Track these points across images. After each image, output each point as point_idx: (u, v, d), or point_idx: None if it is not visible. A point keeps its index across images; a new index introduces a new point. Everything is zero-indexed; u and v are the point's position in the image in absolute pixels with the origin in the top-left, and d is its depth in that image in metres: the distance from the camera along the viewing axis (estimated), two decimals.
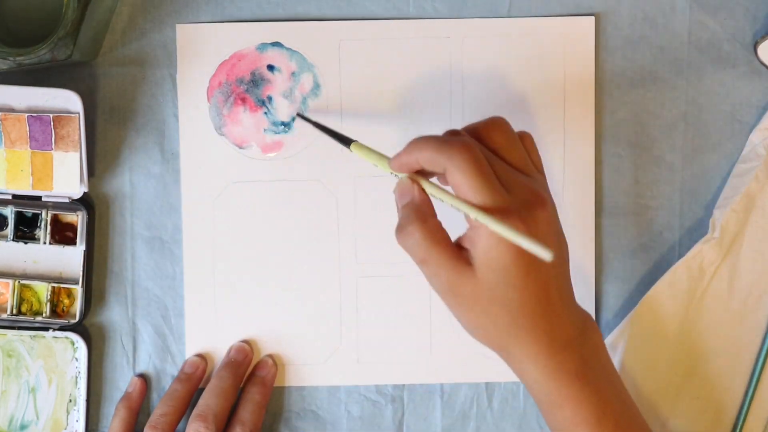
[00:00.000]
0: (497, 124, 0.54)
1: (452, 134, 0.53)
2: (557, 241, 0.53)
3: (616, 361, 0.64)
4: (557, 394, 0.52)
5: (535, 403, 0.65)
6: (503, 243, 0.50)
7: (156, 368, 0.66)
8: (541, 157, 0.56)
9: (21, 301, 0.64)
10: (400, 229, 0.52)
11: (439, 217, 0.52)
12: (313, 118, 0.63)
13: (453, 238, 0.52)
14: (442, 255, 0.51)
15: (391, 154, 0.65)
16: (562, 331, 0.52)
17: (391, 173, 0.54)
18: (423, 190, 0.53)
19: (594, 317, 0.65)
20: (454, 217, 0.52)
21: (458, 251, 0.51)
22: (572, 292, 0.54)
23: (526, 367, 0.53)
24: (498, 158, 0.53)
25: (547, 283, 0.51)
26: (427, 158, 0.51)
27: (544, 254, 0.47)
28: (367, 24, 0.64)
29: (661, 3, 0.65)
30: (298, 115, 0.64)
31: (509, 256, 0.50)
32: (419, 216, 0.52)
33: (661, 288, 0.64)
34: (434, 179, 0.54)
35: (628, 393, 0.55)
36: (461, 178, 0.50)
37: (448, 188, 0.52)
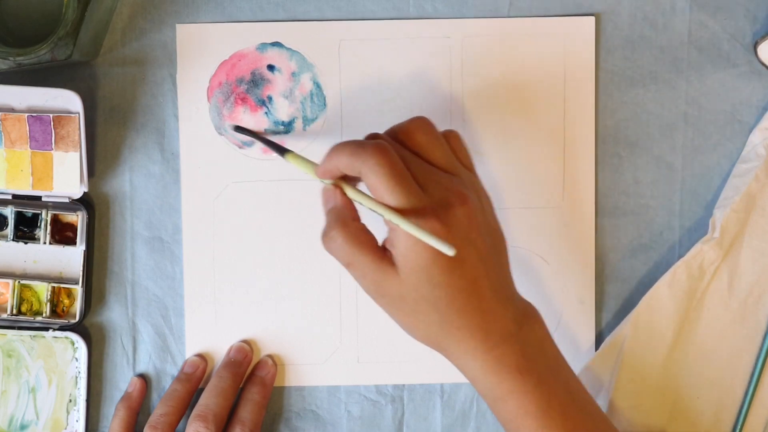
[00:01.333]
0: (418, 124, 0.55)
1: (371, 138, 0.54)
2: (479, 236, 0.53)
3: (615, 361, 0.64)
4: (499, 389, 0.53)
5: None
6: (420, 243, 0.50)
7: (156, 368, 0.66)
8: (471, 156, 0.57)
9: (21, 301, 0.64)
10: (324, 234, 0.53)
11: (369, 220, 0.53)
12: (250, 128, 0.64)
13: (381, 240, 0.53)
14: (365, 257, 0.52)
15: None
16: (499, 325, 0.52)
17: (320, 181, 0.55)
18: (344, 194, 0.54)
19: (594, 317, 0.65)
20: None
21: (382, 253, 0.52)
22: (510, 285, 0.55)
23: (465, 363, 0.53)
24: (418, 158, 0.53)
25: (475, 279, 0.52)
26: (344, 163, 0.52)
27: (446, 250, 0.48)
28: (367, 24, 0.64)
29: (661, 3, 0.65)
30: (236, 127, 0.64)
31: (428, 255, 0.50)
32: (341, 220, 0.53)
33: (661, 288, 0.64)
34: (361, 185, 0.55)
35: (578, 381, 0.55)
36: (375, 179, 0.51)
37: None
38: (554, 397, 0.53)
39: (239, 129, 0.64)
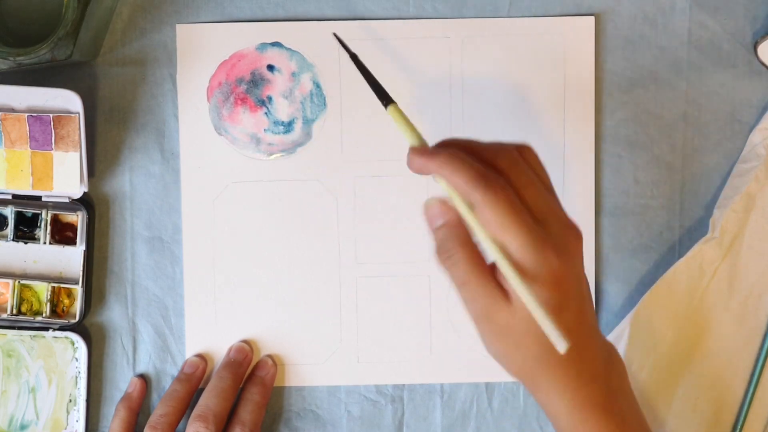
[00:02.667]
0: (530, 152, 0.52)
1: (492, 149, 0.51)
2: (584, 273, 0.52)
3: None
4: (582, 427, 0.52)
5: (535, 403, 0.65)
6: (540, 278, 0.49)
7: (156, 368, 0.66)
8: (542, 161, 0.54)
9: (21, 301, 0.64)
10: (441, 251, 0.51)
11: None
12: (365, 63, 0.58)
13: None
14: (481, 280, 0.50)
15: (390, 155, 0.65)
16: (590, 364, 0.52)
17: (408, 155, 0.52)
18: (457, 213, 0.51)
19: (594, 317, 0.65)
20: None
21: (498, 281, 0.50)
22: (597, 325, 0.54)
23: (552, 400, 0.52)
24: (537, 181, 0.51)
25: (578, 317, 0.50)
26: (458, 185, 0.49)
27: (560, 346, 0.47)
28: (367, 24, 0.64)
29: (661, 3, 0.65)
30: (343, 45, 0.59)
31: (545, 291, 0.49)
32: (461, 238, 0.50)
33: (661, 288, 0.64)
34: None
35: (647, 424, 0.55)
36: (491, 215, 0.48)
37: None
38: None
39: (338, 38, 0.59)
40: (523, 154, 0.51)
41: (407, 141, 0.52)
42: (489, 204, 0.48)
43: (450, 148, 0.50)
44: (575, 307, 0.50)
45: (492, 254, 0.49)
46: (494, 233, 0.49)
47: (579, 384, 0.51)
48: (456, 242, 0.50)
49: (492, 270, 0.50)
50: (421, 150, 0.51)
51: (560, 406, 0.52)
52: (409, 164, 0.52)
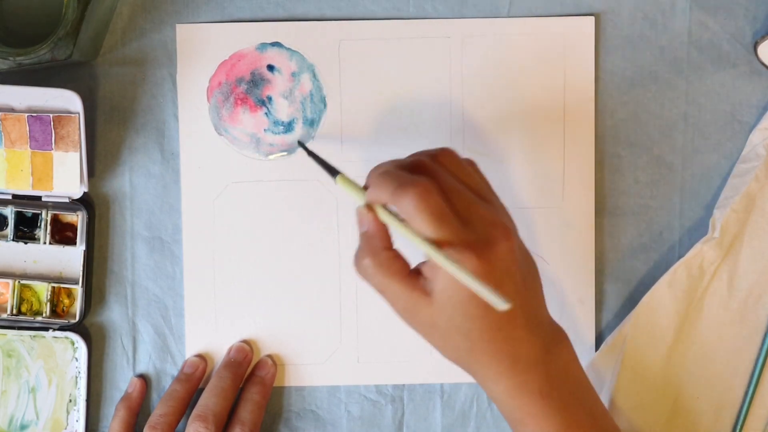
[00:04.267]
0: (448, 154, 0.54)
1: (413, 164, 0.53)
2: (518, 269, 0.52)
3: (615, 360, 0.64)
4: (519, 412, 0.53)
5: None
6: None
7: (156, 368, 0.66)
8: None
9: (21, 301, 0.64)
10: (355, 259, 0.53)
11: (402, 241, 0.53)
12: (311, 147, 0.63)
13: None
14: (396, 286, 0.51)
15: (390, 155, 0.65)
16: (527, 353, 0.52)
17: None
18: (378, 220, 0.52)
19: (594, 317, 0.65)
20: None
21: (414, 281, 0.51)
22: (542, 311, 0.54)
23: (489, 386, 0.53)
24: (462, 186, 0.52)
25: (509, 312, 0.51)
26: (385, 200, 0.51)
27: (500, 304, 0.48)
28: (367, 24, 0.64)
29: (661, 3, 0.65)
30: (299, 143, 0.64)
31: (467, 292, 0.50)
32: (372, 248, 0.52)
33: (661, 288, 0.64)
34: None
35: (603, 406, 0.55)
36: (418, 223, 0.50)
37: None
38: (575, 422, 0.53)
39: (302, 145, 0.63)
40: (437, 159, 0.53)
41: (359, 201, 0.54)
42: (412, 212, 0.50)
43: (377, 170, 0.53)
44: (510, 298, 0.50)
45: (417, 245, 0.50)
46: (418, 229, 0.50)
47: (514, 372, 0.52)
48: (368, 251, 0.52)
49: (409, 273, 0.52)
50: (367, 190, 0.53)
51: (498, 391, 0.53)
52: (368, 202, 0.53)
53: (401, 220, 0.51)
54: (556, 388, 0.53)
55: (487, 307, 0.50)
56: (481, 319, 0.51)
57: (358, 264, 0.53)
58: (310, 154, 0.61)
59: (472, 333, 0.51)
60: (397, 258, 0.52)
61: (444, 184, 0.51)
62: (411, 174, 0.51)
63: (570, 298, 0.65)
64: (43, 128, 0.62)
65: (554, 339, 0.54)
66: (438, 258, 0.49)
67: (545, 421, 0.52)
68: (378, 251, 0.52)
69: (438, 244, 0.49)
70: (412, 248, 0.51)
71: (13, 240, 0.63)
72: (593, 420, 0.54)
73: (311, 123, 0.65)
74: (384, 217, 0.52)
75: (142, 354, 0.66)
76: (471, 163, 0.55)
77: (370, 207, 0.53)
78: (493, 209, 0.53)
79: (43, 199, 0.63)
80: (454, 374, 0.66)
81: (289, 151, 0.65)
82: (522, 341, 0.52)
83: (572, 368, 0.54)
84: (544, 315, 0.55)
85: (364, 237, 0.53)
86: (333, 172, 0.57)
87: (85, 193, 0.63)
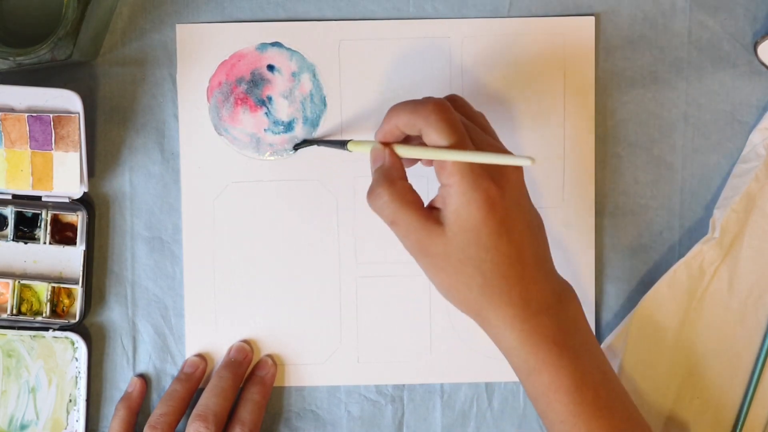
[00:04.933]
0: (458, 98, 0.56)
1: (426, 98, 0.54)
2: (528, 206, 0.54)
3: (616, 361, 0.64)
4: (534, 360, 0.52)
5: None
6: (474, 202, 0.50)
7: (156, 368, 0.66)
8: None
9: (21, 301, 0.64)
10: (370, 192, 0.53)
11: (416, 184, 0.54)
12: (311, 138, 0.65)
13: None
14: (411, 215, 0.52)
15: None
16: (538, 296, 0.52)
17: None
18: (394, 153, 0.54)
19: (594, 317, 0.65)
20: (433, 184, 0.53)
21: (428, 212, 0.52)
22: (550, 261, 0.55)
23: (501, 333, 0.53)
24: (471, 123, 0.54)
25: (520, 246, 0.52)
26: (404, 121, 0.53)
27: (523, 161, 0.49)
28: (367, 24, 0.64)
29: (661, 3, 0.65)
30: (296, 147, 0.64)
31: (480, 216, 0.50)
32: (388, 178, 0.53)
33: (661, 288, 0.64)
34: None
35: (610, 365, 0.55)
36: (434, 132, 0.51)
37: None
38: (588, 374, 0.53)
39: (300, 145, 0.64)
40: (453, 101, 0.55)
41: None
42: (432, 124, 0.51)
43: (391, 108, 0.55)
44: (517, 234, 0.51)
45: (437, 156, 0.51)
46: (436, 144, 0.51)
47: (527, 314, 0.52)
48: (384, 181, 0.53)
49: (423, 206, 0.53)
50: (378, 128, 0.55)
51: (510, 338, 0.53)
52: (377, 138, 0.55)
53: (418, 147, 0.52)
54: (570, 338, 0.53)
55: (499, 237, 0.50)
56: (494, 250, 0.51)
57: (373, 196, 0.53)
58: (316, 142, 0.62)
59: (484, 265, 0.51)
60: (412, 190, 0.53)
61: (463, 108, 0.54)
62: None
63: None
64: (43, 128, 0.62)
65: (564, 290, 0.54)
66: (458, 155, 0.50)
67: (560, 371, 0.52)
68: (395, 180, 0.53)
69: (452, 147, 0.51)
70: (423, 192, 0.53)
71: (13, 240, 0.63)
72: (603, 375, 0.54)
73: (311, 123, 0.65)
74: (401, 149, 0.54)
75: (142, 354, 0.66)
76: (481, 115, 0.57)
77: (385, 143, 0.54)
78: (502, 147, 0.54)
79: (43, 199, 0.63)
80: (454, 374, 0.66)
81: (289, 151, 0.65)
82: (534, 283, 0.52)
83: (582, 322, 0.54)
84: (551, 266, 0.55)
85: (380, 171, 0.54)
86: (342, 143, 0.59)
87: (85, 193, 0.63)
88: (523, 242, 0.52)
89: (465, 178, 0.51)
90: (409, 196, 0.53)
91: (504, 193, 0.51)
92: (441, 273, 0.53)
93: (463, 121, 0.53)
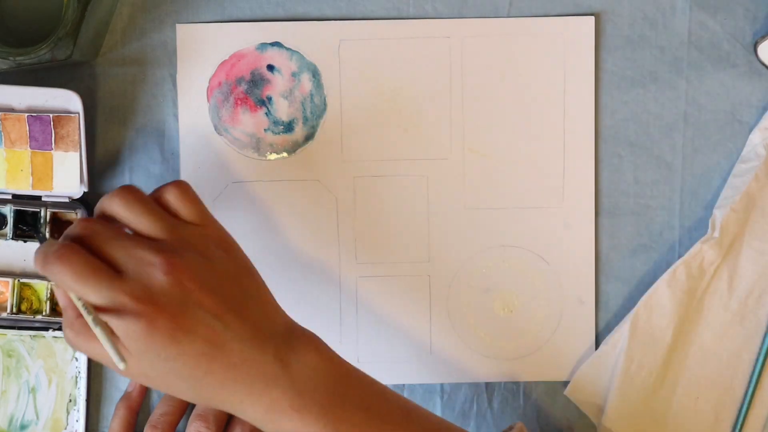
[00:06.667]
0: (118, 195, 0.53)
1: (74, 228, 0.53)
2: (206, 291, 0.51)
3: (615, 360, 0.64)
4: (283, 429, 0.51)
5: (535, 403, 0.65)
6: (133, 330, 0.50)
7: None
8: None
9: (21, 299, 0.64)
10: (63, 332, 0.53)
11: None
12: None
13: None
14: (97, 348, 0.51)
15: (390, 155, 0.65)
16: (258, 373, 0.51)
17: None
18: (64, 294, 0.52)
19: (594, 317, 0.65)
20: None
21: (114, 339, 0.51)
22: (267, 318, 0.53)
23: (244, 415, 0.52)
24: (121, 234, 0.52)
25: (212, 339, 0.50)
26: (42, 272, 0.51)
27: (118, 363, 0.50)
28: (367, 24, 0.64)
29: (661, 3, 0.65)
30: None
31: (144, 338, 0.50)
32: (67, 320, 0.52)
33: (660, 288, 0.64)
34: None
35: (382, 392, 0.54)
36: (66, 285, 0.51)
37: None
38: (342, 423, 0.51)
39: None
40: (162, 190, 0.54)
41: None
42: (57, 277, 0.50)
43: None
44: (203, 327, 0.50)
45: (82, 311, 0.51)
46: (80, 295, 0.50)
47: (255, 396, 0.51)
48: (66, 323, 0.52)
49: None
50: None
51: (253, 418, 0.52)
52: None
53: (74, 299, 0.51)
54: (309, 398, 0.51)
55: (180, 343, 0.50)
56: (182, 357, 0.50)
57: (65, 337, 0.53)
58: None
59: (182, 372, 0.50)
60: (85, 326, 0.51)
61: (99, 236, 0.51)
62: (69, 239, 0.52)
63: (570, 298, 0.65)
64: (43, 128, 0.62)
65: (291, 346, 0.52)
66: (90, 322, 0.50)
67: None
68: (72, 321, 0.52)
69: (94, 305, 0.50)
70: None
71: (12, 239, 0.63)
72: (367, 412, 0.52)
73: (311, 123, 0.65)
74: (58, 292, 0.54)
75: None
76: (171, 191, 0.54)
77: (58, 285, 0.53)
78: (153, 248, 0.51)
79: (43, 199, 0.63)
80: (454, 374, 0.66)
81: (289, 151, 0.65)
82: (245, 364, 0.51)
83: (324, 371, 0.52)
84: (272, 322, 0.53)
85: (63, 312, 0.53)
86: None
87: (85, 192, 0.63)
88: (213, 333, 0.50)
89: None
90: (89, 332, 0.51)
91: (161, 306, 0.50)
92: (156, 387, 0.53)
93: (104, 239, 0.51)
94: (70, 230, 0.52)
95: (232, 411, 0.52)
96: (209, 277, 0.52)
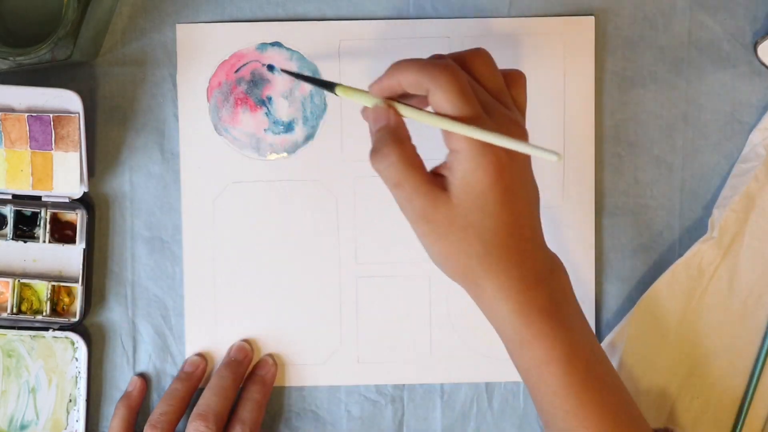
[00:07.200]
0: (481, 53, 0.53)
1: (436, 58, 0.53)
2: (531, 178, 0.53)
3: (615, 360, 0.64)
4: (527, 331, 0.52)
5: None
6: (482, 168, 0.50)
7: (156, 368, 0.66)
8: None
9: (21, 299, 0.64)
10: (375, 152, 0.52)
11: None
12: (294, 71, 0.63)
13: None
14: (417, 179, 0.51)
15: None
16: (533, 267, 0.52)
17: (373, 105, 0.53)
18: (398, 114, 0.52)
19: (594, 317, 0.65)
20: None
21: (433, 177, 0.51)
22: (542, 235, 0.54)
23: (496, 303, 0.52)
24: (479, 86, 0.52)
25: (519, 217, 0.51)
26: (410, 80, 0.51)
27: (550, 156, 0.48)
28: (367, 24, 0.64)
29: (661, 3, 0.65)
30: (283, 71, 0.64)
31: (487, 182, 0.50)
32: (395, 138, 0.51)
33: (660, 288, 0.64)
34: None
35: (596, 338, 0.55)
36: (443, 97, 0.50)
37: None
38: (578, 346, 0.52)
39: (285, 72, 0.63)
40: (475, 58, 0.53)
41: (364, 102, 0.54)
42: (440, 86, 0.50)
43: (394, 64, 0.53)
44: (518, 204, 0.51)
45: (444, 127, 0.50)
46: (446, 113, 0.50)
47: (523, 286, 0.51)
48: (392, 140, 0.51)
49: (426, 170, 0.51)
50: (376, 80, 0.53)
51: (505, 309, 0.52)
52: (372, 90, 0.53)
53: (426, 112, 0.51)
54: (562, 310, 0.52)
55: (503, 206, 0.50)
56: (497, 218, 0.50)
57: (380, 156, 0.51)
58: (298, 76, 0.61)
59: (487, 233, 0.50)
60: (418, 154, 0.52)
61: (468, 80, 0.51)
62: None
63: None
64: (43, 128, 0.62)
65: (554, 262, 0.54)
66: (468, 131, 0.49)
67: (553, 342, 0.52)
68: (403, 141, 0.51)
69: (464, 121, 0.49)
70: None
71: (12, 239, 0.63)
72: (592, 347, 0.53)
73: (311, 123, 0.65)
74: (407, 110, 0.52)
75: (142, 354, 0.66)
76: (516, 76, 0.55)
77: (389, 103, 0.52)
78: (511, 112, 0.52)
79: (43, 199, 0.63)
80: (454, 374, 0.66)
81: (289, 151, 0.65)
82: (530, 254, 0.52)
83: (571, 296, 0.54)
84: (543, 239, 0.54)
85: (385, 129, 0.52)
86: (329, 85, 0.56)
87: (85, 193, 0.63)
88: (522, 213, 0.51)
89: (474, 143, 0.49)
90: (416, 159, 0.51)
91: (512, 162, 0.50)
92: (441, 240, 0.52)
93: (477, 89, 0.52)
94: (442, 60, 0.52)
95: (483, 299, 0.52)
96: (527, 168, 0.53)
